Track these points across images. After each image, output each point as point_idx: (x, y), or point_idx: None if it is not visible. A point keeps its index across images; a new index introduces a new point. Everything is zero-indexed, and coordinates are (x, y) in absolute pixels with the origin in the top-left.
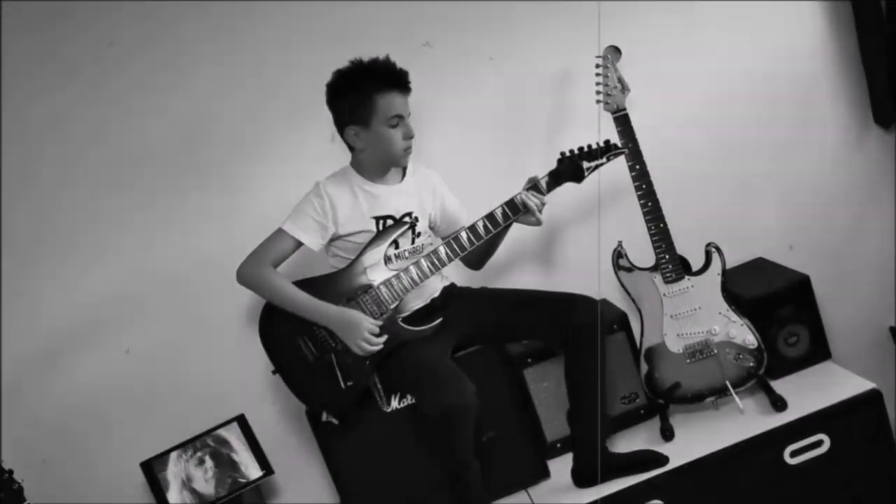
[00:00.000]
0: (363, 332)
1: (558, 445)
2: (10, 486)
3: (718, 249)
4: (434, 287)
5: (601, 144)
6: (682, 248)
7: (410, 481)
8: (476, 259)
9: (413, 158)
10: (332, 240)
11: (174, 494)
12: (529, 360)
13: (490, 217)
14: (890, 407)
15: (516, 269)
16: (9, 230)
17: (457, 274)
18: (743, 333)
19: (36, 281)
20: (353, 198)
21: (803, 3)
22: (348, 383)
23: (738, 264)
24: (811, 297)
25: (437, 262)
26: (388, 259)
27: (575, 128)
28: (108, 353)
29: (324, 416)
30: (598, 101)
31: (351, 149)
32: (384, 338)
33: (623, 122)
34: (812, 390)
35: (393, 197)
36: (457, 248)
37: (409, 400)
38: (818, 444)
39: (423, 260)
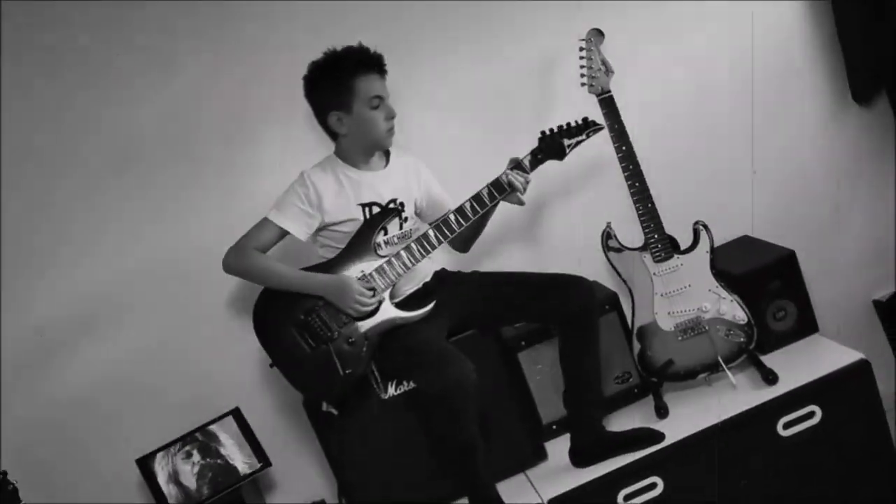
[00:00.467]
0: (354, 294)
1: (554, 427)
2: (4, 487)
3: (706, 227)
4: (426, 271)
5: (579, 122)
6: (667, 228)
7: (409, 468)
8: (463, 241)
9: (396, 147)
10: (319, 229)
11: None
12: (523, 342)
13: (476, 198)
14: (878, 378)
15: (504, 251)
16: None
17: (446, 259)
18: (733, 309)
19: (24, 278)
20: (339, 185)
21: None
22: (346, 371)
23: (724, 242)
24: (797, 271)
25: (427, 246)
26: (377, 245)
27: (559, 112)
28: (99, 350)
29: (324, 406)
30: (582, 84)
31: (333, 137)
32: (376, 297)
33: (608, 104)
34: (802, 363)
35: (378, 183)
36: (446, 231)
37: (406, 386)
38: (810, 415)
39: (412, 244)
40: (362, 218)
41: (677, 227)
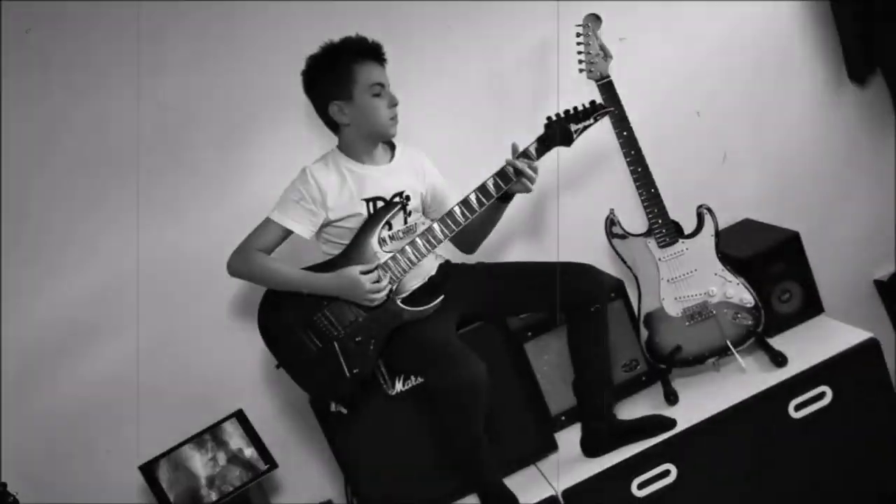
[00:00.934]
0: (366, 284)
1: (563, 418)
2: (5, 499)
3: (710, 210)
4: (430, 266)
5: (586, 105)
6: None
7: (418, 464)
8: (469, 241)
9: (401, 140)
10: (322, 226)
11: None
12: (529, 333)
13: (482, 189)
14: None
15: (505, 243)
16: None
17: (449, 252)
18: (740, 293)
19: (25, 281)
20: (342, 180)
21: None
22: (354, 370)
23: (726, 226)
24: (802, 252)
25: (432, 240)
26: (382, 241)
27: (557, 100)
28: (100, 354)
29: (332, 407)
30: (580, 71)
31: (335, 130)
32: (386, 282)
33: (608, 89)
34: (810, 344)
35: (382, 177)
36: (451, 224)
37: (413, 382)
38: (820, 396)
39: (418, 239)
40: (366, 213)
41: (676, 213)
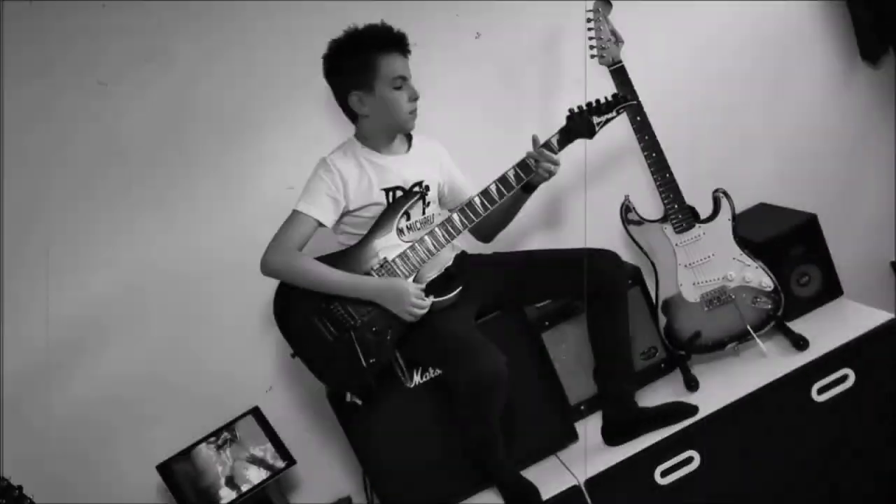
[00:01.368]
0: (411, 298)
1: (582, 408)
2: (21, 502)
3: (727, 194)
4: (447, 257)
5: (609, 98)
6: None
7: (437, 457)
8: (488, 230)
9: (419, 131)
10: (341, 215)
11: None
12: (546, 322)
13: (503, 180)
14: None
15: (520, 232)
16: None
17: (465, 242)
18: (759, 276)
19: (42, 282)
20: (361, 170)
21: None
22: (370, 361)
23: (741, 211)
24: (820, 235)
25: (451, 231)
26: (400, 231)
27: (568, 88)
28: (115, 354)
29: (348, 397)
30: (591, 56)
31: (353, 119)
32: (430, 300)
33: (620, 74)
34: (830, 327)
35: (401, 167)
36: (471, 215)
37: (431, 374)
38: (843, 378)
39: (437, 229)
40: (385, 203)
41: (691, 198)
